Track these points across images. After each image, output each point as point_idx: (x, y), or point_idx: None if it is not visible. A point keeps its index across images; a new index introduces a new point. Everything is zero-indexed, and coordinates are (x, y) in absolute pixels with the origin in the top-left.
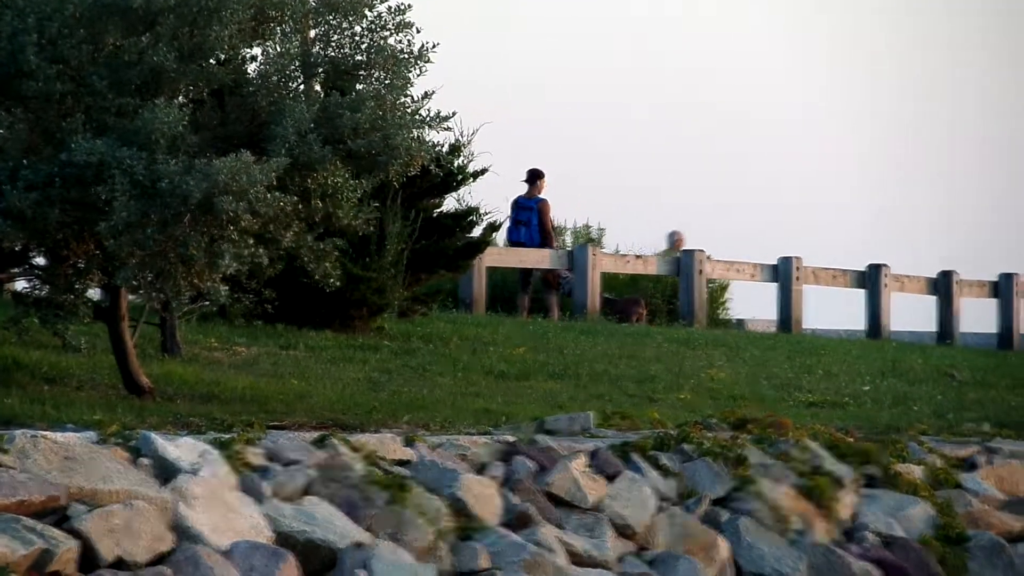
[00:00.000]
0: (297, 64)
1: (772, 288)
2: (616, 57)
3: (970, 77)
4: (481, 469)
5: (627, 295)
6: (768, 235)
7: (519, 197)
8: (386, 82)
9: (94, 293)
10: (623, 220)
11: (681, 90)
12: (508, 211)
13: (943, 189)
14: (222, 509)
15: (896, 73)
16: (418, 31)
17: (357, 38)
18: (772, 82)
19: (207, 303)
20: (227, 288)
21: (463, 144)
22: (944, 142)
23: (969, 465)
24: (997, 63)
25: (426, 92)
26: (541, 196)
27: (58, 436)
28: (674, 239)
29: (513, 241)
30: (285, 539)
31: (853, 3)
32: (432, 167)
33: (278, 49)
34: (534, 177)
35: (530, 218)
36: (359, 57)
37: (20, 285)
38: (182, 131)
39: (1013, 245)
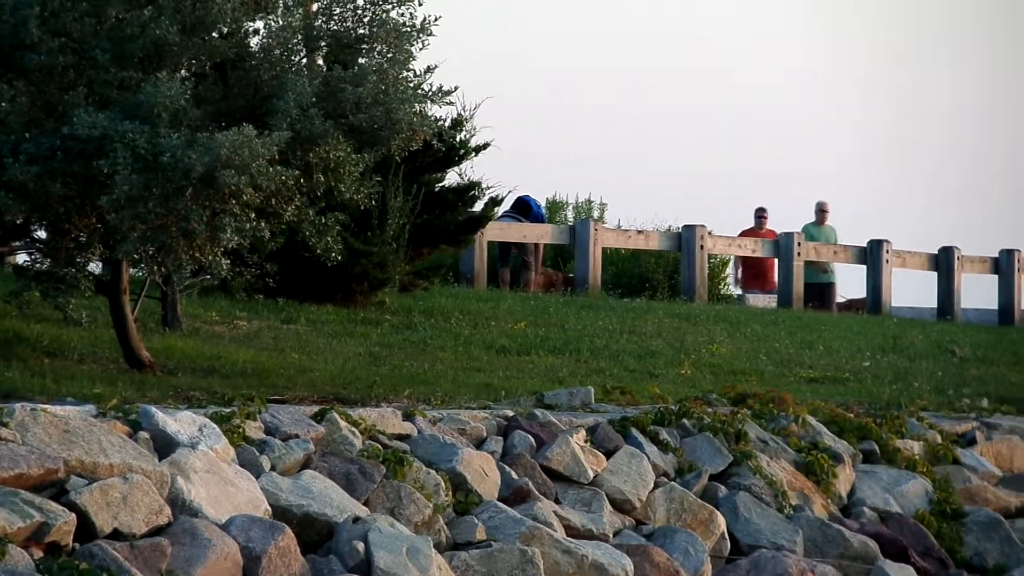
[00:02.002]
0: (299, 38)
1: (773, 264)
2: (618, 28)
3: (971, 50)
4: (480, 443)
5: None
6: (770, 211)
7: (507, 211)
8: (388, 56)
9: (95, 267)
10: (624, 195)
11: (683, 64)
12: (505, 208)
13: (944, 165)
14: (220, 483)
15: (896, 45)
16: (420, 4)
17: (359, 11)
18: (773, 54)
19: (208, 277)
20: (228, 262)
21: (465, 118)
22: (946, 117)
23: (968, 441)
24: (999, 37)
25: (428, 66)
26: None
27: (58, 409)
28: (822, 209)
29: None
30: (283, 513)
31: None
32: (434, 141)
33: (280, 22)
34: (520, 209)
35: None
36: (361, 31)
37: (21, 258)
38: (184, 105)
39: (1014, 221)
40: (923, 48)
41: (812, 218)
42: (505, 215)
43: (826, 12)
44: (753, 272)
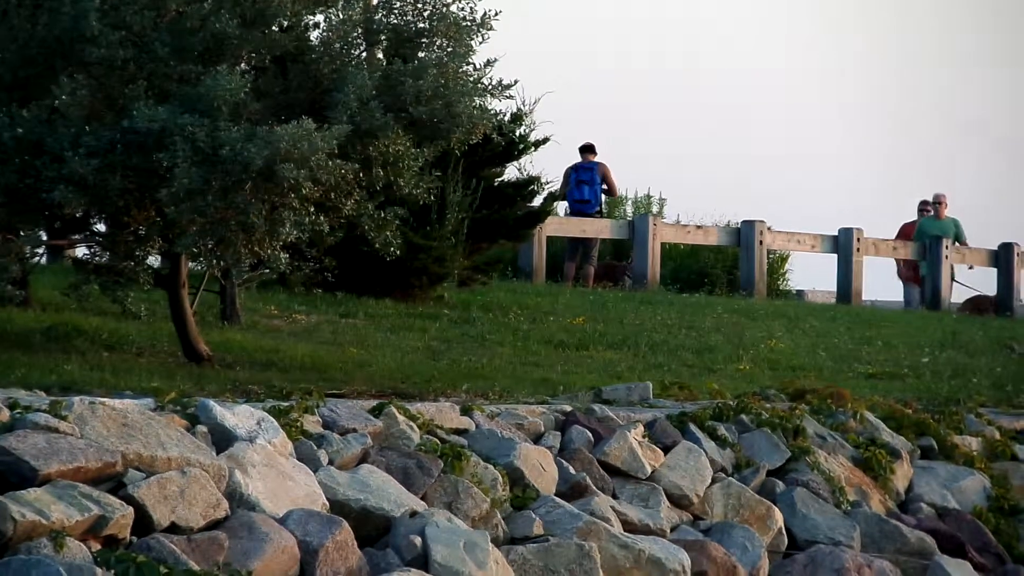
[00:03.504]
0: (359, 31)
1: (832, 259)
2: (677, 25)
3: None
4: (538, 439)
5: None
6: (828, 206)
7: (576, 163)
8: (448, 50)
9: (154, 260)
10: (684, 190)
11: (748, 60)
12: (562, 178)
13: (953, 159)
14: (278, 477)
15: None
16: None
17: (420, 5)
18: (828, 50)
19: (267, 271)
20: (287, 256)
21: (525, 113)
22: (990, 114)
23: None
24: (999, 29)
25: (488, 60)
26: (596, 160)
27: (116, 403)
28: (938, 201)
29: (576, 199)
30: (340, 507)
31: None
32: (494, 136)
33: (341, 16)
34: (588, 149)
35: (592, 177)
36: (421, 24)
37: (81, 252)
38: (244, 98)
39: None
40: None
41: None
42: (575, 165)
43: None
44: (909, 266)
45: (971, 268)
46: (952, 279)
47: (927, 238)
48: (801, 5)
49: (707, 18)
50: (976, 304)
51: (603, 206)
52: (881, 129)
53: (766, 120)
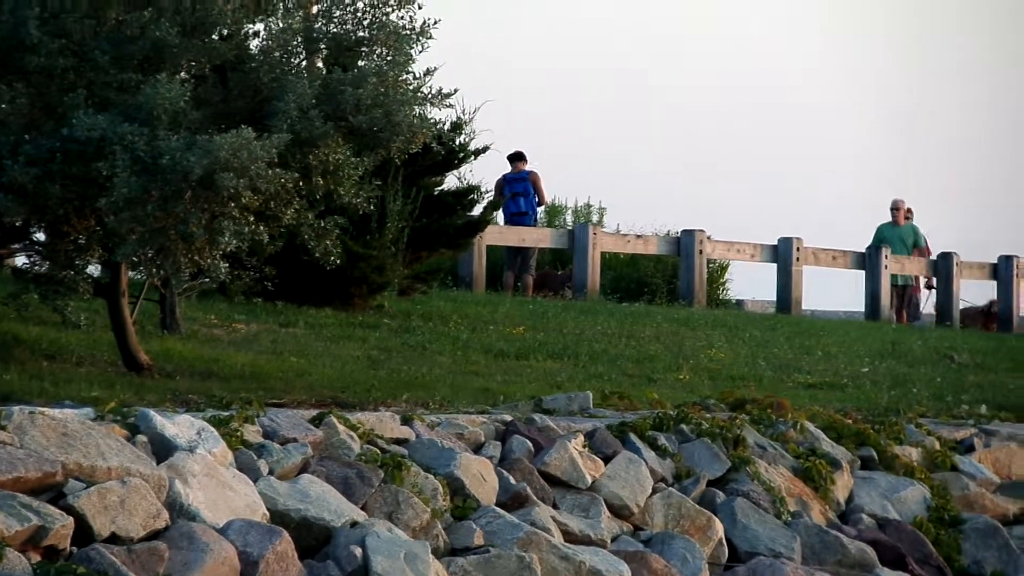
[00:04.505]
0: (299, 40)
1: (772, 269)
2: (616, 35)
3: (973, 60)
4: (478, 448)
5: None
6: (768, 216)
7: (506, 174)
8: (388, 58)
9: (94, 269)
10: (624, 200)
11: (683, 69)
12: (494, 190)
13: (945, 172)
14: (218, 487)
15: (899, 54)
16: (420, 7)
17: (359, 14)
18: (773, 61)
19: (207, 280)
20: (227, 265)
21: (465, 122)
22: (947, 125)
23: (966, 447)
24: (1002, 46)
25: (428, 69)
26: (526, 169)
27: (56, 412)
28: (896, 207)
29: (513, 212)
30: (280, 517)
31: None
32: (434, 144)
33: (280, 25)
34: (517, 158)
35: (525, 188)
36: (361, 33)
37: (20, 261)
38: (184, 107)
39: (1013, 228)
40: (926, 55)
41: (888, 218)
42: (506, 176)
43: (823, 15)
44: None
45: (928, 285)
46: (929, 288)
47: (883, 243)
48: (743, 7)
49: (647, 26)
50: (978, 316)
51: (539, 217)
52: (824, 137)
53: (707, 129)
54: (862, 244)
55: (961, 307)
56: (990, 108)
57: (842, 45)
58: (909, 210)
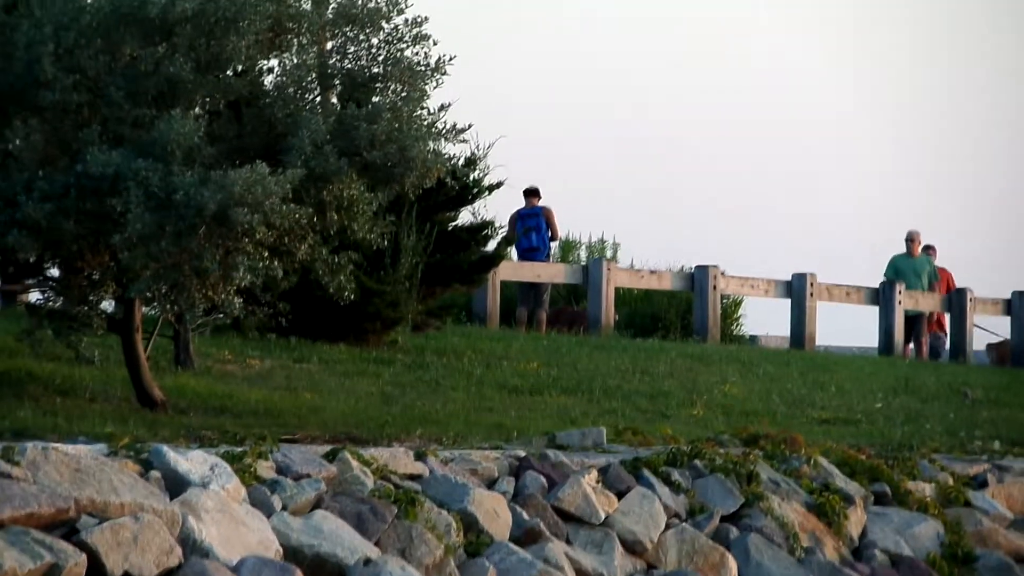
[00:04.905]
0: (314, 76)
1: (786, 304)
2: (630, 70)
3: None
4: (492, 484)
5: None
6: (783, 251)
7: (520, 209)
8: (403, 94)
9: (108, 305)
10: (638, 235)
11: (697, 105)
12: (507, 225)
13: (959, 209)
14: (231, 523)
15: (915, 88)
16: (435, 43)
17: (374, 50)
18: (788, 96)
19: (221, 316)
20: (241, 301)
21: (479, 157)
22: (960, 161)
23: (979, 483)
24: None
25: (442, 104)
26: (540, 205)
27: (69, 448)
28: (911, 238)
29: (525, 248)
30: (294, 553)
31: (871, 11)
32: (448, 180)
33: (295, 60)
34: (531, 193)
35: (538, 223)
36: (376, 69)
37: (34, 297)
38: (198, 142)
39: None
40: (937, 90)
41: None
42: (519, 212)
43: (836, 46)
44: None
45: (931, 316)
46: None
47: (897, 275)
48: (756, 42)
49: (662, 61)
50: (1001, 352)
51: (552, 252)
52: (838, 174)
53: (721, 164)
54: (877, 279)
55: (994, 340)
56: (1006, 144)
57: (855, 79)
58: (932, 248)
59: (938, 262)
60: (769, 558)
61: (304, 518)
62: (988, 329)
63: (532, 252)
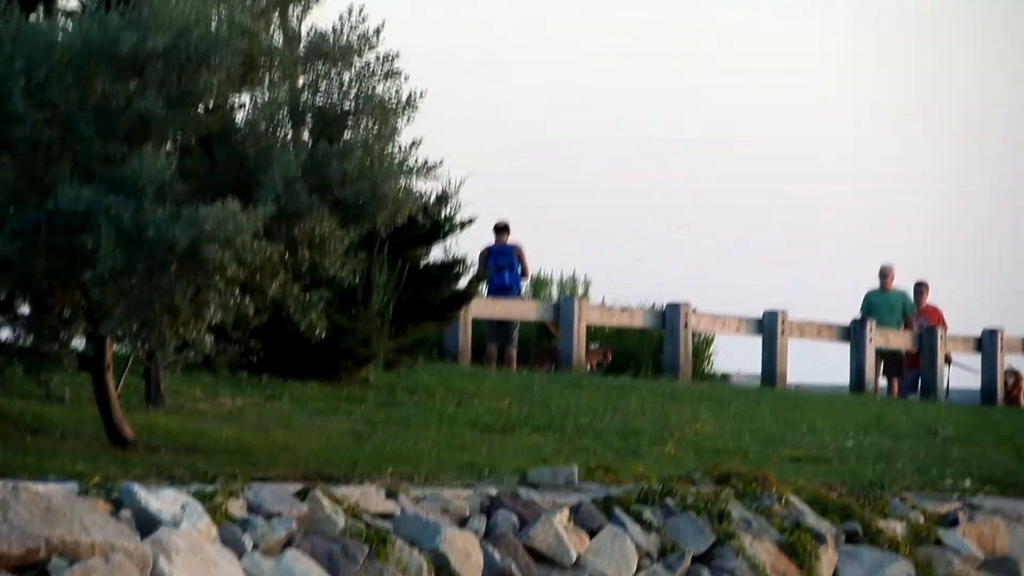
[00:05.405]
0: (285, 112)
1: (757, 342)
2: (601, 109)
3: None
4: (463, 522)
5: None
6: (754, 289)
7: (491, 246)
8: (374, 130)
9: (79, 342)
10: (609, 272)
11: (669, 141)
12: (478, 261)
13: (927, 246)
14: (202, 564)
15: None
16: (406, 79)
17: (345, 86)
18: (756, 131)
19: (192, 353)
20: (212, 338)
21: (451, 193)
22: (933, 196)
23: (950, 521)
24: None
25: (414, 141)
26: (511, 242)
27: (39, 487)
28: (885, 273)
29: (497, 286)
30: None
31: (843, 47)
32: (419, 217)
33: (266, 97)
34: (501, 229)
35: (510, 261)
36: (347, 105)
37: (4, 334)
38: (169, 179)
39: (997, 301)
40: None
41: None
42: (490, 249)
43: (807, 88)
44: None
45: (947, 359)
46: (948, 362)
47: (871, 310)
48: (722, 80)
49: (633, 97)
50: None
51: (523, 290)
52: (808, 210)
53: (691, 202)
54: (850, 316)
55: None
56: (979, 181)
57: (826, 114)
58: (924, 285)
59: (930, 300)
60: None
61: (275, 559)
62: (966, 367)
63: (504, 291)
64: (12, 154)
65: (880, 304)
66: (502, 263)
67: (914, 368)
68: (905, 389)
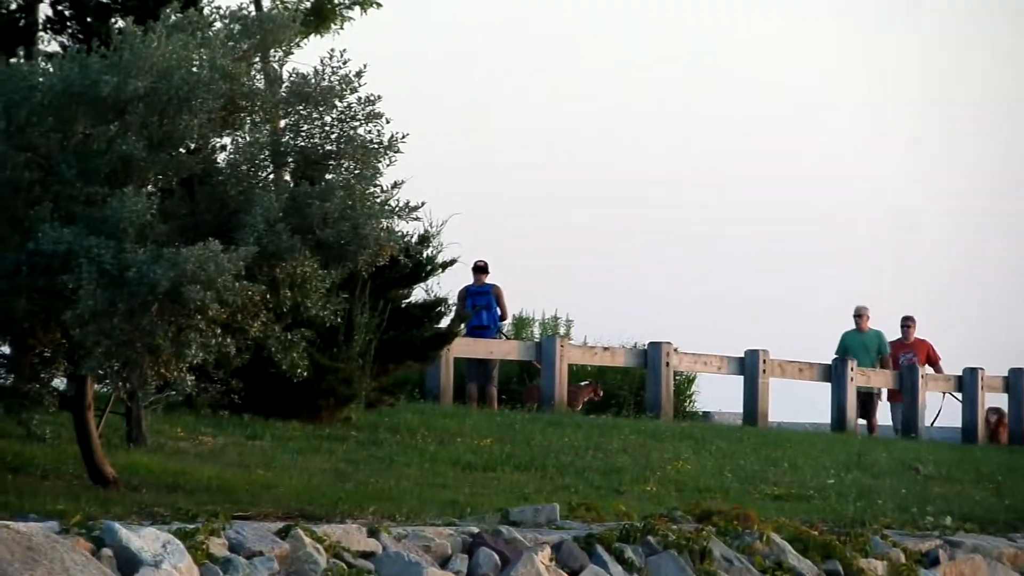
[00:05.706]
0: (267, 153)
1: (739, 381)
2: (583, 150)
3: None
4: (445, 561)
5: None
6: (735, 328)
7: (469, 286)
8: (356, 172)
9: (60, 382)
10: (591, 312)
11: (648, 182)
12: (457, 301)
13: (912, 284)
14: None
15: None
16: (388, 121)
17: (327, 128)
18: (735, 175)
19: (173, 393)
20: (194, 378)
21: (432, 234)
22: (912, 233)
23: (931, 560)
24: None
25: (395, 182)
26: (489, 283)
27: (20, 526)
28: (859, 314)
29: (475, 326)
30: None
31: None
32: (401, 257)
33: (248, 138)
34: (480, 270)
35: (489, 302)
36: (329, 147)
37: None
38: (151, 220)
39: (977, 341)
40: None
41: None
42: (468, 289)
43: (789, 118)
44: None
45: (878, 393)
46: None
47: (847, 351)
48: (698, 126)
49: (612, 139)
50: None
51: (504, 328)
52: (788, 250)
53: (672, 242)
54: (830, 355)
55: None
56: (957, 217)
57: (805, 153)
58: (911, 319)
59: (918, 334)
60: None
61: None
62: (958, 396)
63: (482, 330)
64: None
65: (855, 345)
66: (480, 303)
67: (899, 403)
68: (896, 423)
